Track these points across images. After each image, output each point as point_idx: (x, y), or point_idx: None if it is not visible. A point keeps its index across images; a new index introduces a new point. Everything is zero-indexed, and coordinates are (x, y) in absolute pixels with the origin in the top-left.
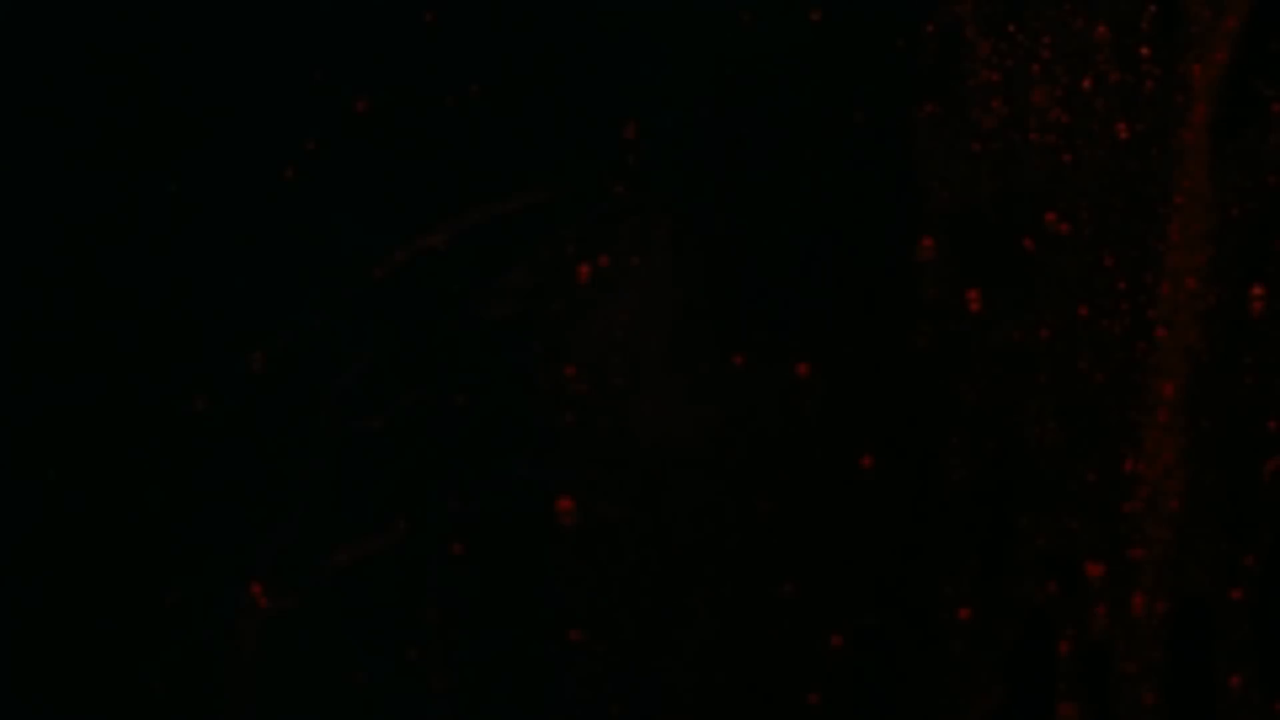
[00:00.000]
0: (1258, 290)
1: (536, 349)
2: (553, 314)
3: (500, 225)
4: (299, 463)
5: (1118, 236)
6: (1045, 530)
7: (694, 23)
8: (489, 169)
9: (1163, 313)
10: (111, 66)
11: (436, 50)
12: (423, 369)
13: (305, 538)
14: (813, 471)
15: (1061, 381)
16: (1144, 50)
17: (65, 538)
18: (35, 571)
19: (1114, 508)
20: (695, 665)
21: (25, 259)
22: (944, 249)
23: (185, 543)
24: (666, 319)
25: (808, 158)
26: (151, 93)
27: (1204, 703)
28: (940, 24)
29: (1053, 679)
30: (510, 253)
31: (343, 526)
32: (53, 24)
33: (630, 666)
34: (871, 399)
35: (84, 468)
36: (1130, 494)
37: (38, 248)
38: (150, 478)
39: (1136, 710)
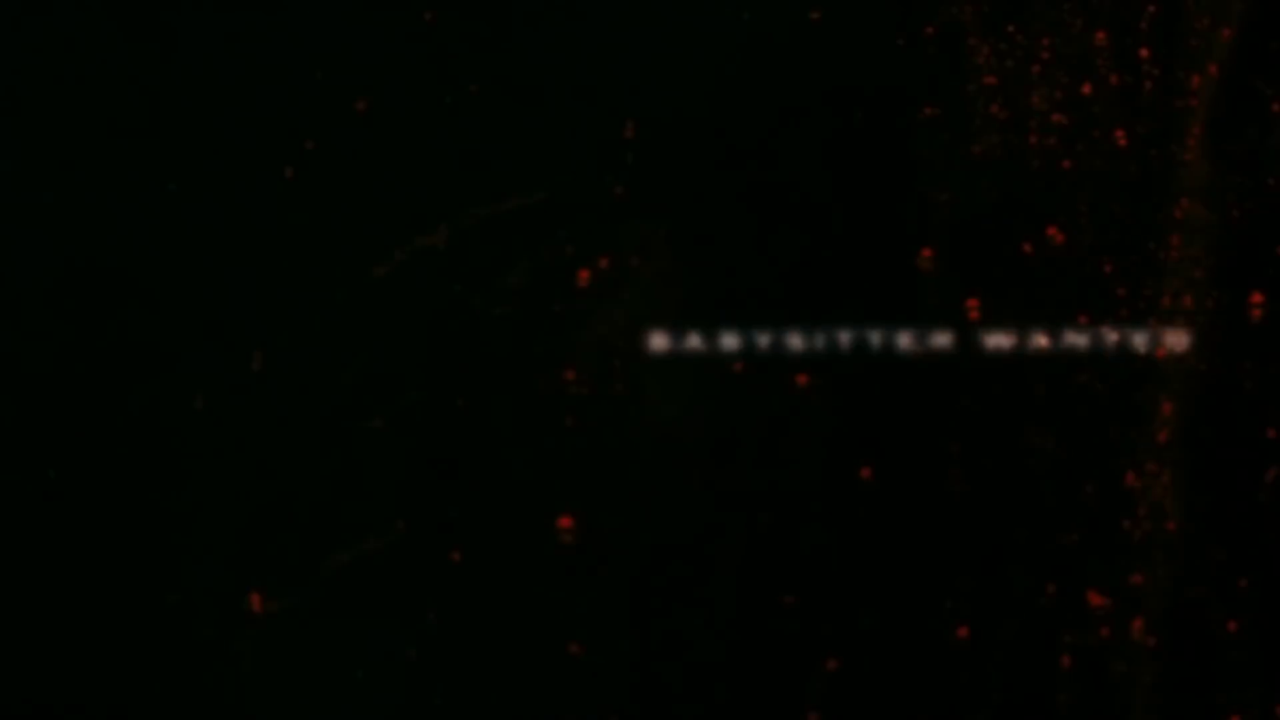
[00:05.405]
0: (1257, 298)
1: (536, 350)
2: (553, 315)
3: (500, 225)
4: (299, 463)
5: (1117, 244)
6: (1044, 546)
7: (694, 23)
8: (489, 169)
9: (1163, 324)
10: (112, 66)
11: (436, 50)
12: (423, 369)
13: (305, 538)
14: (812, 482)
15: (1060, 395)
16: (1143, 53)
17: (65, 538)
18: (35, 571)
19: (1114, 524)
20: (694, 675)
21: (25, 259)
22: (943, 256)
23: (185, 544)
24: (666, 321)
25: (807, 160)
26: (152, 92)
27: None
28: (940, 26)
29: (1053, 695)
30: (510, 253)
31: (343, 527)
32: (53, 23)
33: (628, 675)
34: (871, 409)
35: (84, 468)
36: (1130, 511)
37: (38, 247)
38: (150, 478)
39: None
